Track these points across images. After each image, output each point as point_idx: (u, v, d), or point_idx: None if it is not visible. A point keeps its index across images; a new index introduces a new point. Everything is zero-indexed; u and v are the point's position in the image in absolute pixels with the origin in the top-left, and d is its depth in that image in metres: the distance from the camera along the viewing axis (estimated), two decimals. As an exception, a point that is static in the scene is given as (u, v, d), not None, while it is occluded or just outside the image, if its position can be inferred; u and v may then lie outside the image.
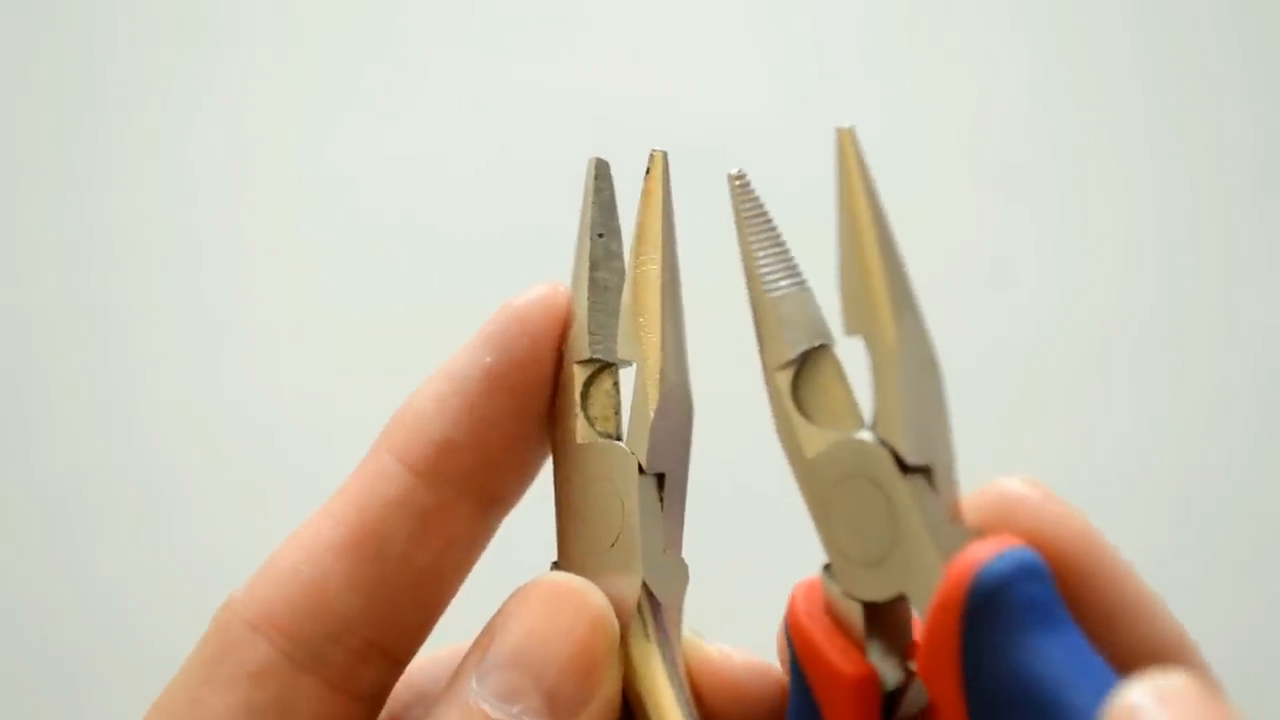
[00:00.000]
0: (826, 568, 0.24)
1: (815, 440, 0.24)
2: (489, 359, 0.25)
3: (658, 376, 0.25)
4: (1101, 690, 0.21)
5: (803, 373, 0.25)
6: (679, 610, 0.26)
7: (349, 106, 0.82)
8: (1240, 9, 0.82)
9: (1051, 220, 0.81)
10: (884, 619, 0.24)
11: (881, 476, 0.23)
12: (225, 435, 0.79)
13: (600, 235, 0.26)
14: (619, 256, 0.27)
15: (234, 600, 0.25)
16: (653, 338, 0.25)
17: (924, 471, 0.23)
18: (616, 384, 0.26)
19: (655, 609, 0.25)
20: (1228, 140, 0.81)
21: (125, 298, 0.81)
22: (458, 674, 0.24)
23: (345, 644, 0.24)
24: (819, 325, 0.25)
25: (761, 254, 0.25)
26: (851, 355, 0.24)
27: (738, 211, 0.25)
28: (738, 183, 0.25)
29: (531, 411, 0.26)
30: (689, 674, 0.26)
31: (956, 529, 0.23)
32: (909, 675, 0.24)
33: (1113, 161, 0.81)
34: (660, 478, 0.26)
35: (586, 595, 0.24)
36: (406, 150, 0.81)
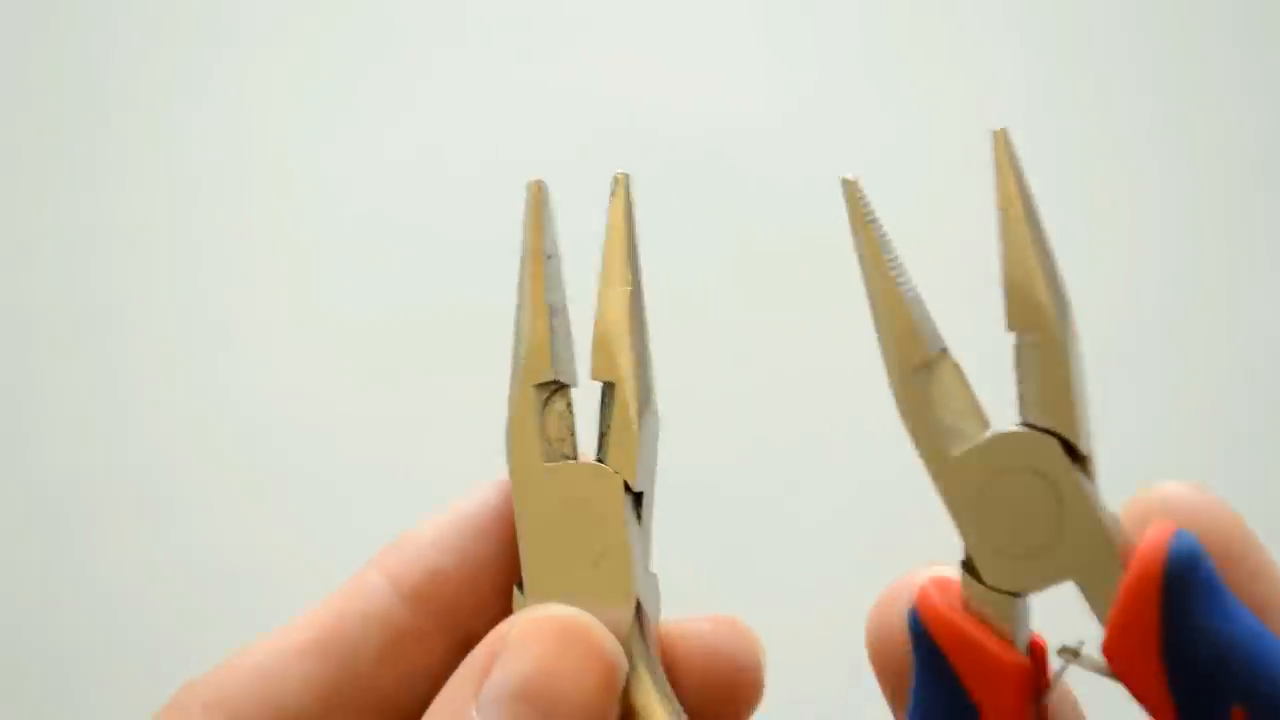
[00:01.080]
0: (965, 565, 0.25)
1: (956, 438, 0.25)
2: (494, 502, 0.26)
3: (638, 397, 0.26)
4: None
5: (930, 374, 0.25)
6: (656, 625, 0.26)
7: (349, 107, 0.82)
8: (1240, 9, 0.82)
9: (1052, 220, 0.80)
10: (1017, 611, 0.24)
11: (1048, 467, 0.24)
12: (225, 435, 0.79)
13: (549, 257, 0.27)
14: (561, 278, 0.27)
15: (195, 682, 0.25)
16: (626, 359, 0.26)
17: (1087, 461, 0.24)
18: (570, 406, 0.26)
19: (644, 627, 0.25)
20: (1229, 141, 0.81)
21: (125, 298, 0.81)
22: (447, 698, 0.24)
23: None
24: (937, 330, 0.25)
25: (888, 255, 0.25)
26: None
27: (857, 213, 0.25)
28: (853, 187, 0.25)
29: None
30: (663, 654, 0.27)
31: (1112, 514, 0.24)
32: (1039, 665, 0.25)
33: (1113, 162, 0.81)
34: (638, 496, 0.26)
35: (601, 636, 0.24)
36: (406, 150, 0.81)
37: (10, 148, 0.82)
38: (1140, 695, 0.23)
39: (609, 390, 0.26)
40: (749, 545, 0.74)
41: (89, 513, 0.79)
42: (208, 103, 0.82)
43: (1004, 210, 0.25)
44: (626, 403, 0.26)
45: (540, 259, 0.26)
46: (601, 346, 0.26)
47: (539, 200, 0.27)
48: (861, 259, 0.25)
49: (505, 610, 0.26)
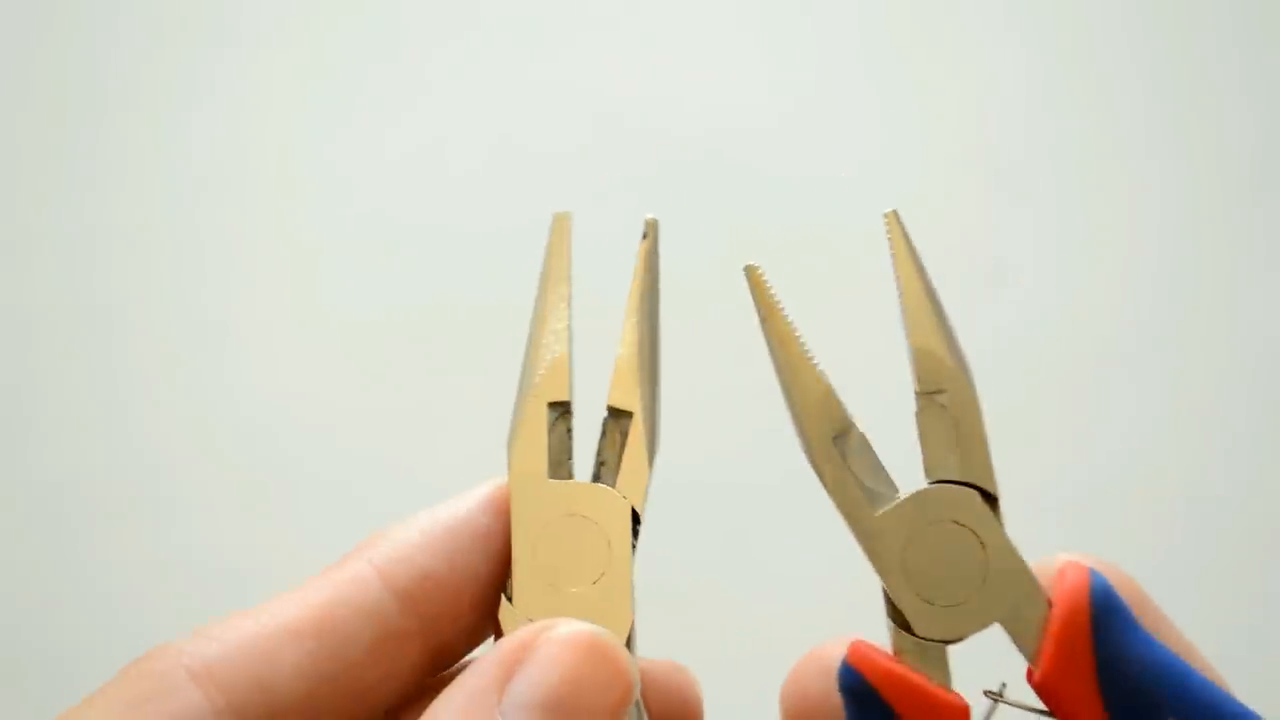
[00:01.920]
0: (895, 621, 0.26)
1: (876, 501, 0.26)
2: (484, 519, 0.26)
3: (651, 431, 0.27)
4: (1200, 674, 0.25)
5: (846, 442, 0.27)
6: (636, 654, 0.27)
7: (350, 105, 0.82)
8: (1240, 9, 0.82)
9: (1051, 220, 0.80)
10: (946, 660, 0.26)
11: (969, 517, 0.26)
12: (226, 435, 0.79)
13: (571, 285, 0.28)
14: (572, 306, 0.28)
15: (176, 648, 0.24)
16: (642, 392, 0.27)
17: (997, 502, 0.26)
18: (570, 430, 0.27)
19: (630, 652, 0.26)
20: (1228, 140, 0.81)
21: (125, 298, 0.81)
22: (467, 697, 0.24)
23: None
24: (845, 407, 0.27)
25: (799, 334, 0.27)
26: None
27: (765, 298, 0.27)
28: (758, 271, 0.27)
29: (501, 582, 0.26)
30: None
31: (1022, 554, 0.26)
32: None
33: (1113, 161, 0.81)
34: (636, 528, 0.27)
35: (624, 655, 0.24)
36: (407, 148, 0.81)
37: (10, 148, 0.82)
38: None
39: (616, 420, 0.27)
40: (748, 538, 0.74)
41: (89, 513, 0.79)
42: (208, 103, 0.82)
43: (903, 286, 0.27)
44: (641, 435, 0.27)
45: (566, 284, 0.28)
46: (620, 377, 0.27)
47: (566, 230, 0.28)
48: (770, 339, 0.27)
49: (480, 623, 0.26)
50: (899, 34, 0.83)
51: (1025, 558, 0.26)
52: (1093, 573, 0.25)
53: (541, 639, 0.24)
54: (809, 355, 0.27)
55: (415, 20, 0.83)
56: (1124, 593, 0.26)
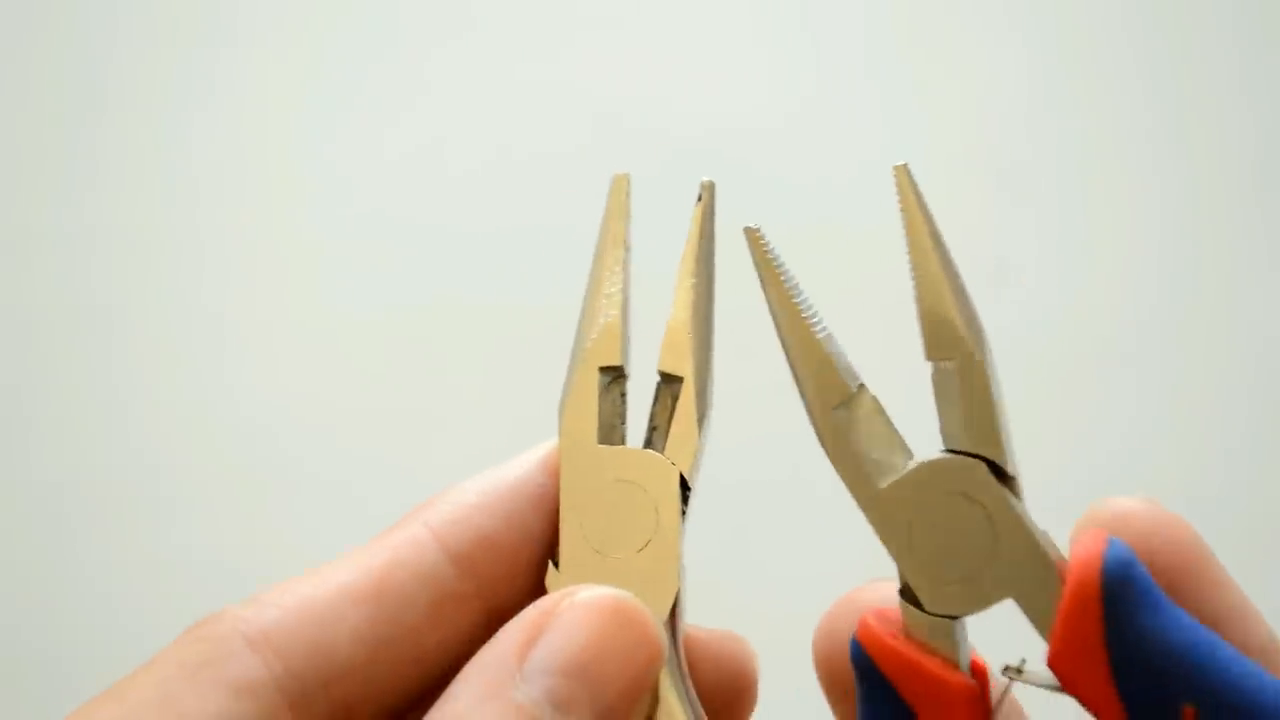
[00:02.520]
0: (903, 593, 0.25)
1: (882, 471, 0.25)
2: (542, 480, 0.26)
3: (702, 397, 0.26)
4: (1235, 652, 0.23)
5: (850, 410, 0.26)
6: (684, 621, 0.26)
7: (349, 105, 0.82)
8: (1240, 9, 0.82)
9: (1052, 220, 0.80)
10: (957, 635, 0.25)
11: (976, 490, 0.25)
12: (226, 435, 0.79)
13: (628, 249, 0.27)
14: (630, 270, 0.27)
15: (233, 614, 0.24)
16: (694, 357, 0.26)
17: (1014, 481, 0.25)
18: (624, 395, 0.27)
19: (675, 620, 0.26)
20: (1228, 141, 0.81)
21: (125, 298, 0.81)
22: (487, 665, 0.23)
23: (333, 693, 0.24)
24: (852, 366, 0.26)
25: (797, 298, 0.26)
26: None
27: (763, 260, 0.26)
28: (757, 234, 0.26)
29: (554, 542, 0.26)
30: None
31: (1044, 532, 0.25)
32: (982, 685, 0.25)
33: (1114, 161, 0.81)
34: (685, 493, 0.26)
35: (650, 621, 0.24)
36: (407, 148, 0.81)
37: (10, 148, 0.82)
38: (1089, 703, 0.24)
39: (667, 385, 0.26)
40: (749, 538, 0.74)
41: (89, 513, 0.79)
42: (208, 103, 0.82)
43: (912, 244, 0.25)
44: (691, 400, 0.26)
45: (622, 248, 0.27)
46: (671, 341, 0.27)
47: (625, 192, 0.27)
48: (771, 305, 0.26)
49: (535, 585, 0.26)
50: (901, 35, 0.83)
51: (1041, 531, 0.25)
52: (1110, 544, 0.24)
53: (564, 604, 0.24)
54: (808, 320, 0.26)
55: (415, 20, 0.82)
56: (1177, 547, 0.25)
